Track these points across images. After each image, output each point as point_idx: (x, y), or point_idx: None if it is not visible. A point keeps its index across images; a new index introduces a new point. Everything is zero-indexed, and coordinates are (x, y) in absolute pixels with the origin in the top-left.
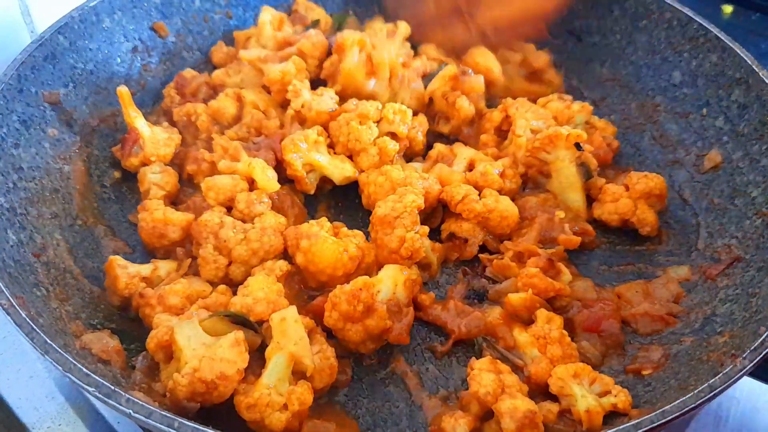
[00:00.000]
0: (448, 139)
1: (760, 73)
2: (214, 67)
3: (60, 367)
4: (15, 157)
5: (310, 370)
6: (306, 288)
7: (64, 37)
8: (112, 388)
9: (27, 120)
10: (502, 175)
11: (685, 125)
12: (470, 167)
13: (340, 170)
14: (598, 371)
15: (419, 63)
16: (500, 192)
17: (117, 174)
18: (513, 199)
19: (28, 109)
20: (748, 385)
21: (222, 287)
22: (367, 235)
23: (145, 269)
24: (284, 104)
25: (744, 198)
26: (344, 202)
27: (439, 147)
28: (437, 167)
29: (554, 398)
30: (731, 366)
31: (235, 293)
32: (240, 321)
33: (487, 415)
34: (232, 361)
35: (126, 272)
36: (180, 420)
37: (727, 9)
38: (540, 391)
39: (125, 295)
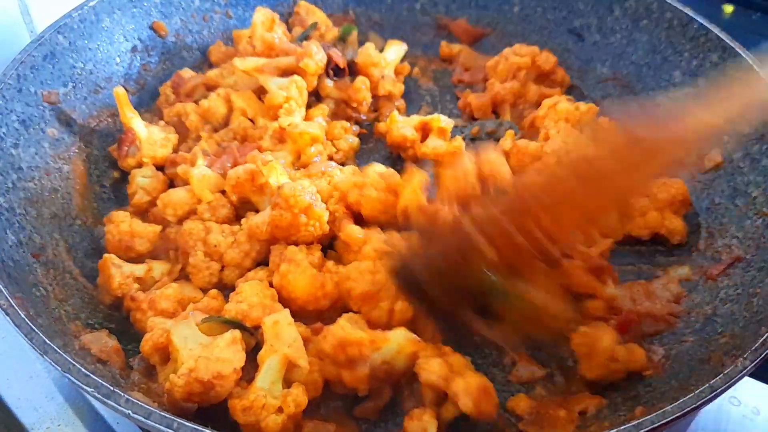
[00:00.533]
0: None
1: (761, 73)
2: (213, 67)
3: (59, 368)
4: (14, 157)
5: (305, 372)
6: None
7: (63, 36)
8: (112, 388)
9: (26, 120)
10: None
11: None
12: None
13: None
14: None
15: None
16: None
17: (116, 174)
18: None
19: (28, 109)
20: (749, 385)
21: (213, 292)
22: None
23: (139, 270)
24: (275, 116)
25: (744, 198)
26: None
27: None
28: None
29: None
30: (732, 366)
31: (226, 297)
32: (235, 327)
33: (440, 400)
34: (228, 361)
35: (120, 272)
36: (179, 421)
37: (728, 9)
38: None
39: (118, 295)
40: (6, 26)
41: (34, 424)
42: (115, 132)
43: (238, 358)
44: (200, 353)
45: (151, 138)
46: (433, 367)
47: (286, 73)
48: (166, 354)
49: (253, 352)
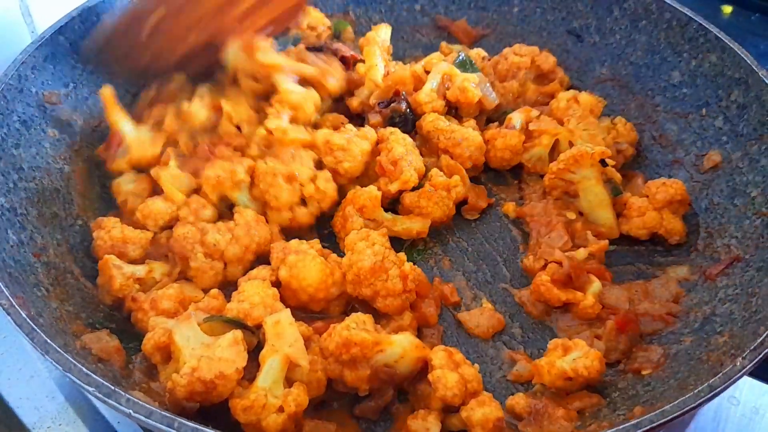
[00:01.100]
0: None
1: (760, 74)
2: None
3: (60, 367)
4: (15, 157)
5: (306, 372)
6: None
7: (64, 37)
8: (113, 387)
9: (27, 120)
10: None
11: (684, 125)
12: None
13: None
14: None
15: None
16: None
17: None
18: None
19: (29, 109)
20: (747, 385)
21: (214, 291)
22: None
23: (140, 270)
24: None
25: (743, 198)
26: None
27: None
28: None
29: None
30: (731, 366)
31: (227, 296)
32: (237, 326)
33: (448, 409)
34: (230, 361)
35: (121, 273)
36: (180, 420)
37: (727, 9)
38: None
39: (119, 296)
40: (7, 26)
41: (35, 423)
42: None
43: (240, 358)
44: (202, 353)
45: (139, 138)
46: (450, 383)
47: (303, 81)
48: (167, 353)
49: (254, 351)
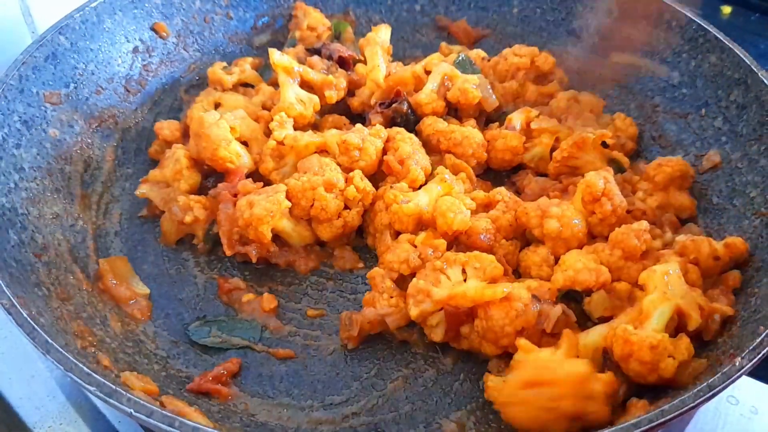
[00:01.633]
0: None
1: (759, 74)
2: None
3: (61, 367)
4: (16, 158)
5: (695, 325)
6: None
7: (65, 37)
8: (113, 387)
9: (28, 120)
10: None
11: (684, 125)
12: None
13: (302, 238)
14: None
15: None
16: None
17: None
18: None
19: (30, 110)
20: (747, 384)
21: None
22: None
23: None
24: (268, 132)
25: (743, 198)
26: None
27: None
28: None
29: None
30: (730, 365)
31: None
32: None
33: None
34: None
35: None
36: (181, 419)
37: (726, 9)
38: None
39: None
40: (7, 27)
41: (36, 423)
42: (117, 132)
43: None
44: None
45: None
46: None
47: (306, 84)
48: None
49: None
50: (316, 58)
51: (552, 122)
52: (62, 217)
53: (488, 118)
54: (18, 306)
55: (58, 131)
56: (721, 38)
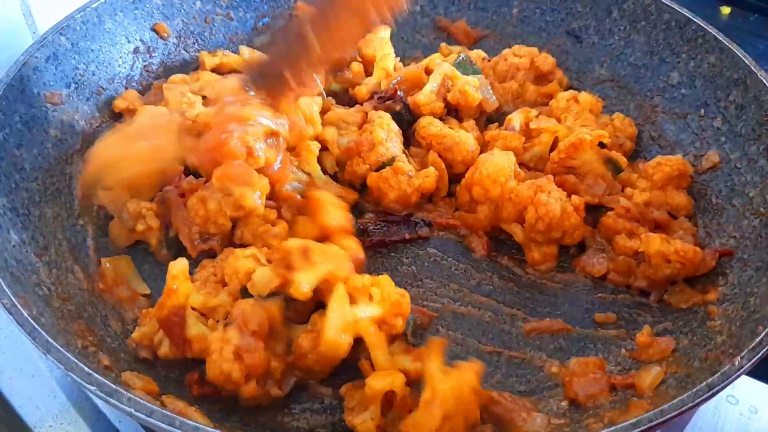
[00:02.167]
0: None
1: (758, 74)
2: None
3: (62, 366)
4: (17, 158)
5: None
6: None
7: (65, 38)
8: (114, 387)
9: (29, 121)
10: None
11: (683, 126)
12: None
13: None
14: None
15: None
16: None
17: None
18: None
19: (31, 110)
20: (746, 384)
21: None
22: None
23: None
24: None
25: (742, 198)
26: None
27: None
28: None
29: None
30: (729, 365)
31: None
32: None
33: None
34: None
35: None
36: (181, 419)
37: (725, 10)
38: None
39: None
40: (8, 28)
41: (36, 422)
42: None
43: None
44: None
45: None
46: None
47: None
48: None
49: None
50: None
51: (551, 122)
52: (63, 218)
53: (488, 118)
54: (19, 306)
55: (59, 131)
56: (721, 38)
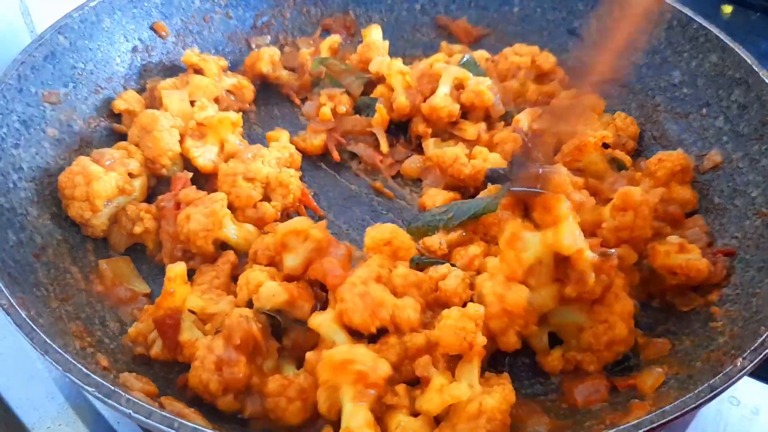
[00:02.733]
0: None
1: (760, 73)
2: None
3: (60, 367)
4: (15, 157)
5: None
6: None
7: (64, 37)
8: (112, 388)
9: (27, 120)
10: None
11: (685, 125)
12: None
13: (248, 243)
14: None
15: None
16: None
17: None
18: None
19: (28, 109)
20: (748, 385)
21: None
22: None
23: None
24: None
25: (744, 198)
26: None
27: None
28: None
29: None
30: (731, 366)
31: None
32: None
33: None
34: None
35: None
36: (180, 420)
37: (727, 9)
38: None
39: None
40: (6, 27)
41: (34, 423)
42: (115, 132)
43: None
44: None
45: None
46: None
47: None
48: None
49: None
50: None
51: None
52: (61, 218)
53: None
54: (17, 306)
55: (57, 131)
56: (722, 38)
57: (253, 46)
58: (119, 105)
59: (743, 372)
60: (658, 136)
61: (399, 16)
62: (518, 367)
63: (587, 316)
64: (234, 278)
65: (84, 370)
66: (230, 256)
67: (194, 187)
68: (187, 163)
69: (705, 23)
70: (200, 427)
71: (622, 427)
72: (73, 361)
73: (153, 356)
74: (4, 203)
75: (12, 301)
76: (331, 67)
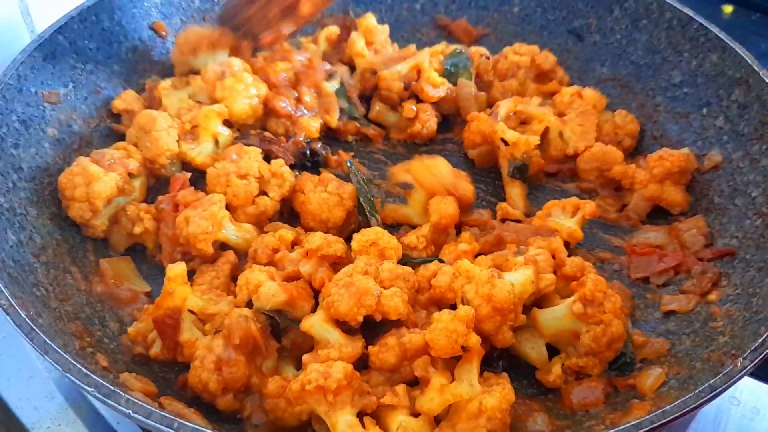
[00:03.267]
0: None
1: (760, 73)
2: None
3: (59, 367)
4: (15, 157)
5: None
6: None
7: (63, 36)
8: (112, 388)
9: (27, 120)
10: None
11: (685, 125)
12: None
13: (248, 243)
14: None
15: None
16: None
17: None
18: None
19: (28, 109)
20: (748, 385)
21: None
22: None
23: None
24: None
25: (744, 198)
26: None
27: None
28: None
29: None
30: (731, 366)
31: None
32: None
33: None
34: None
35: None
36: (179, 420)
37: (728, 9)
38: None
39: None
40: (6, 26)
41: (34, 423)
42: (115, 132)
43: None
44: None
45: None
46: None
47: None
48: None
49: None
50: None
51: (540, 109)
52: (61, 218)
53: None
54: (16, 306)
55: (56, 131)
56: (723, 37)
57: None
58: (118, 105)
59: (743, 372)
60: (658, 136)
61: (399, 16)
62: (518, 367)
63: (581, 321)
64: (234, 278)
65: (84, 370)
66: (230, 256)
67: (192, 188)
68: (186, 163)
69: (705, 23)
70: (200, 427)
71: (622, 427)
72: (72, 361)
73: (152, 356)
74: (4, 203)
75: (12, 301)
76: None
